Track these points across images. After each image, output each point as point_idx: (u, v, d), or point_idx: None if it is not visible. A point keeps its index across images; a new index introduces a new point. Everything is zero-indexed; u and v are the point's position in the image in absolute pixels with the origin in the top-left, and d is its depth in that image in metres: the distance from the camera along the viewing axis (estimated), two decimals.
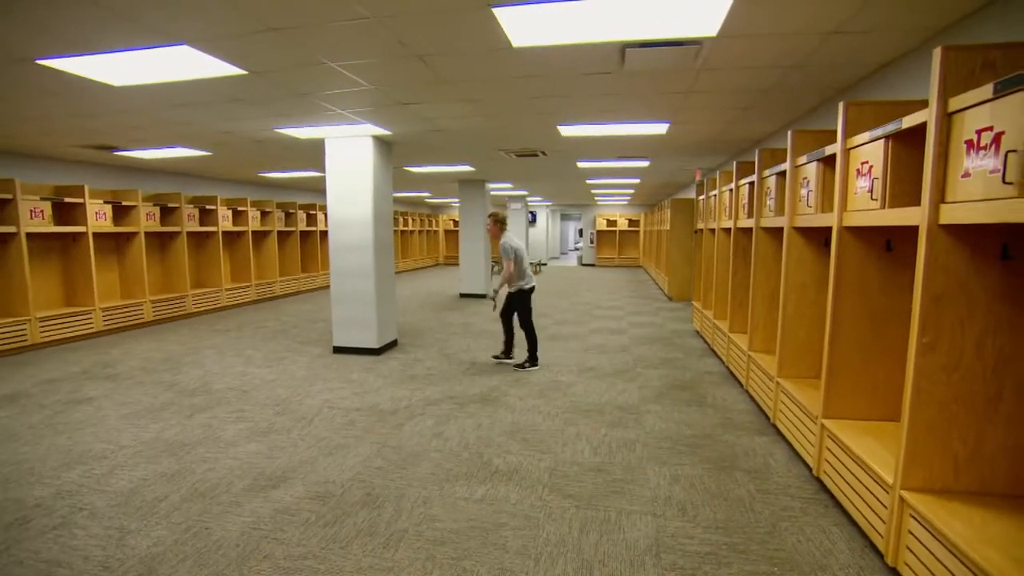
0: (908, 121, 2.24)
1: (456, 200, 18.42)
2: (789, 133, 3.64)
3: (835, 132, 3.30)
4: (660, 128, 5.67)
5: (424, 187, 13.47)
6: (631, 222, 20.39)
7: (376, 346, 6.22)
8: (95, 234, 7.59)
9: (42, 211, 6.84)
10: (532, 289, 5.75)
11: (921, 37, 3.05)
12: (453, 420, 4.18)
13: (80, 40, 2.99)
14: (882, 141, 2.48)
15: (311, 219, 12.78)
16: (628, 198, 18.04)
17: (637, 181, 11.86)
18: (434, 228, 21.25)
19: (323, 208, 13.16)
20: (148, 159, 7.84)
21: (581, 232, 21.63)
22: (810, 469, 3.22)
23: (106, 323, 7.62)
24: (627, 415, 4.30)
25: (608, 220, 20.57)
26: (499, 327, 6.68)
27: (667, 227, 11.53)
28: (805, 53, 3.33)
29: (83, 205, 7.32)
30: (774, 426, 3.93)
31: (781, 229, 4.20)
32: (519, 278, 5.69)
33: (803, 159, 3.51)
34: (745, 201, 5.02)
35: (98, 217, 7.62)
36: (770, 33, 3.01)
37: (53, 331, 6.90)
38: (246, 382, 5.24)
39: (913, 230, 2.13)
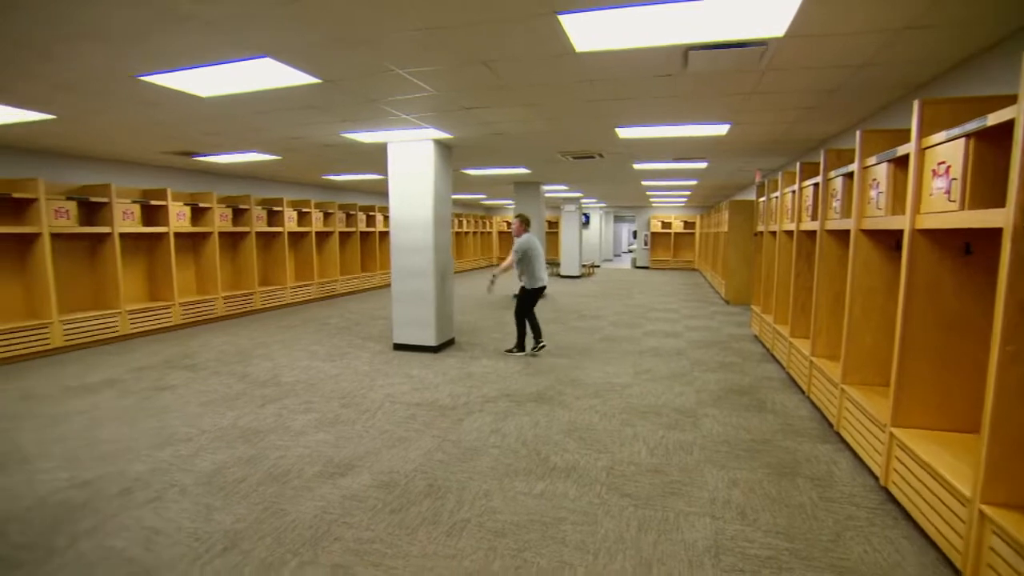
0: (994, 118, 2.16)
1: (510, 202, 18.59)
2: (858, 133, 3.54)
3: (907, 131, 3.19)
4: (720, 129, 5.59)
5: (480, 189, 13.68)
6: (686, 224, 20.00)
7: (434, 344, 6.40)
8: (176, 234, 8.13)
9: (132, 213, 7.39)
10: (540, 290, 6.32)
11: (1002, 32, 2.92)
12: (511, 417, 4.27)
13: (177, 57, 3.26)
14: (962, 140, 2.40)
15: (370, 220, 13.20)
16: (684, 200, 17.71)
17: (694, 183, 11.66)
18: (487, 229, 21.50)
19: (382, 210, 13.58)
20: (222, 163, 8.33)
21: (635, 234, 21.37)
22: (877, 479, 3.13)
23: (183, 317, 8.14)
24: (684, 418, 4.27)
25: (663, 222, 20.25)
26: (551, 328, 7.01)
27: (724, 229, 11.28)
28: (875, 51, 3.24)
29: (166, 207, 7.86)
30: (837, 434, 3.83)
31: (847, 232, 4.08)
32: (528, 277, 6.29)
33: (872, 160, 3.41)
34: (809, 203, 4.89)
35: (178, 218, 8.16)
36: (839, 32, 2.96)
37: (139, 323, 7.43)
38: (312, 375, 5.50)
39: (996, 232, 2.06)
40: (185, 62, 3.37)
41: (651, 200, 17.81)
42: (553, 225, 18.87)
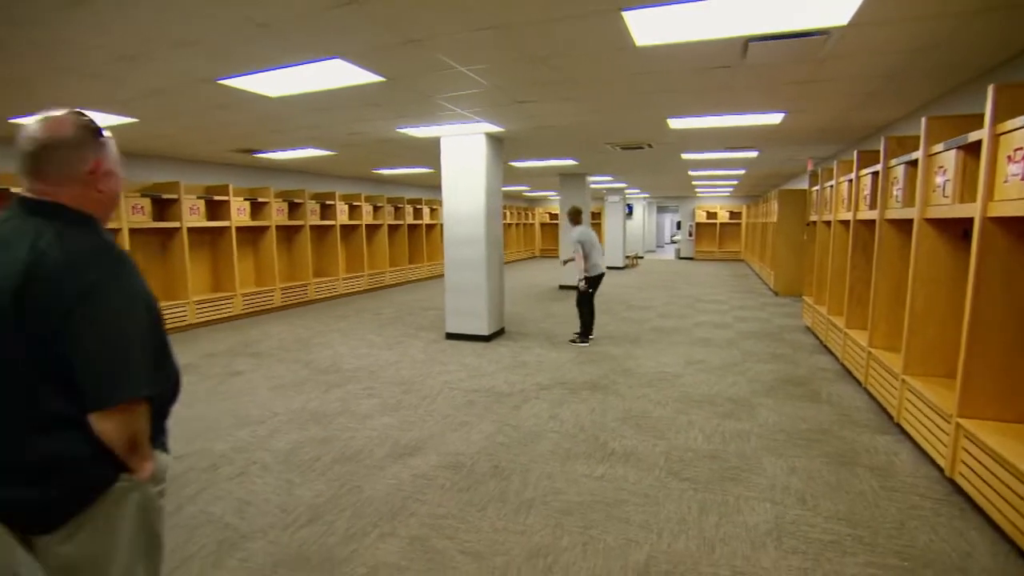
0: None
1: (553, 193, 18.62)
2: (923, 120, 3.49)
3: (976, 117, 3.15)
4: (774, 118, 5.52)
5: (525, 181, 13.78)
6: (732, 214, 19.62)
7: (486, 333, 6.56)
8: (236, 227, 8.53)
9: (198, 208, 7.80)
10: (598, 277, 6.70)
11: None
12: (566, 404, 4.38)
13: (256, 60, 3.47)
14: None
15: (417, 213, 13.48)
16: (731, 189, 17.38)
17: (742, 172, 11.46)
18: (530, 221, 21.60)
19: (429, 203, 13.84)
20: (279, 159, 8.68)
21: (679, 224, 21.07)
22: (941, 470, 3.11)
23: (244, 307, 8.55)
24: (739, 407, 4.30)
25: (708, 212, 19.92)
26: (600, 319, 7.21)
27: (773, 219, 11.06)
28: (943, 35, 3.18)
29: (228, 202, 8.25)
30: (898, 425, 3.79)
31: (909, 221, 4.02)
32: (587, 265, 6.58)
33: (939, 147, 3.35)
34: (867, 192, 4.81)
35: (239, 212, 8.55)
36: (906, 18, 2.92)
37: (205, 313, 7.86)
38: (371, 363, 5.74)
39: None
40: (261, 65, 3.58)
41: (696, 190, 17.56)
42: (596, 216, 18.81)
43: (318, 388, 4.92)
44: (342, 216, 10.75)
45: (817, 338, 6.52)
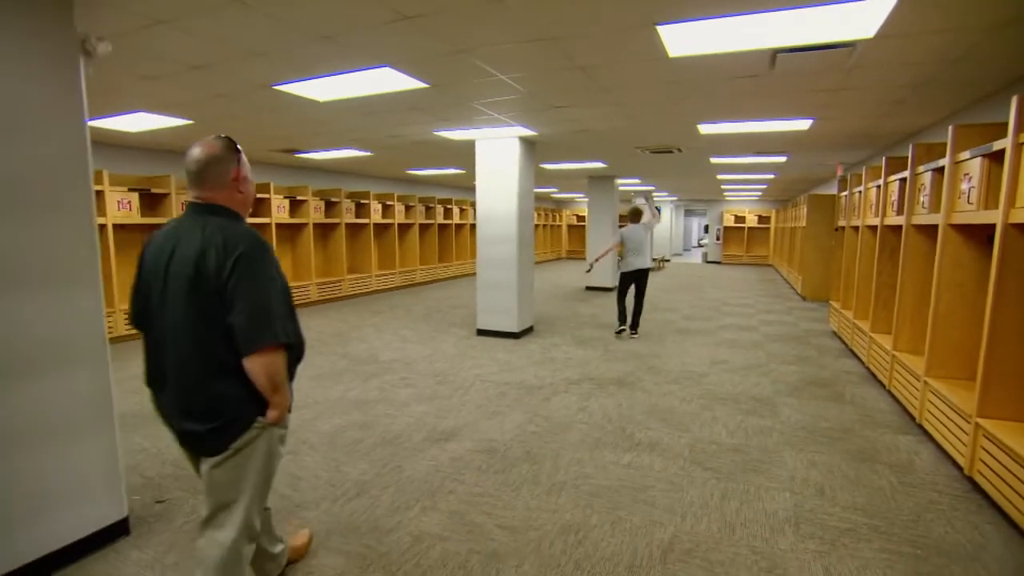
0: None
1: (581, 195, 18.76)
2: (950, 128, 3.58)
3: (1001, 126, 3.24)
4: (803, 124, 5.62)
5: (554, 183, 13.97)
6: (761, 219, 19.49)
7: (516, 330, 6.78)
8: (277, 224, 8.90)
9: None
10: (627, 274, 7.05)
11: None
12: (594, 398, 4.57)
13: (313, 68, 3.74)
14: None
15: (448, 213, 13.77)
16: (759, 193, 17.30)
17: (771, 176, 11.47)
18: (557, 223, 21.76)
19: (459, 203, 14.12)
20: (318, 159, 9.03)
21: (706, 228, 20.99)
22: (960, 469, 3.21)
23: None
24: (762, 405, 4.43)
25: (736, 216, 19.82)
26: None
27: (802, 224, 11.04)
28: (968, 47, 3.28)
29: (269, 200, 8.63)
30: (920, 426, 3.88)
31: (934, 227, 4.10)
32: (622, 262, 7.11)
33: (965, 154, 3.45)
34: (895, 197, 4.88)
35: (279, 210, 8.92)
36: (932, 30, 3.04)
37: None
38: (406, 355, 6.00)
39: None
40: (317, 72, 3.85)
41: (724, 194, 17.52)
42: (623, 218, 18.91)
43: (358, 378, 5.18)
44: (375, 215, 11.08)
45: (843, 342, 6.58)
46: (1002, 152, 2.96)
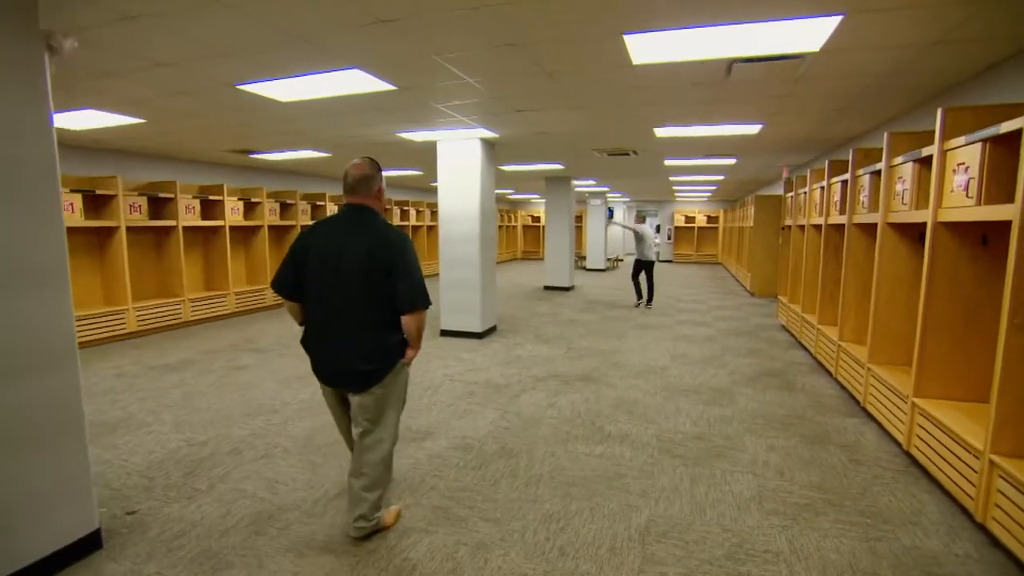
0: (1006, 127, 2.52)
1: (537, 196, 18.97)
2: (885, 135, 3.89)
3: (930, 133, 3.55)
4: (753, 128, 5.93)
5: (510, 184, 14.09)
6: (710, 218, 20.22)
7: (479, 330, 6.85)
8: (230, 227, 8.66)
9: (193, 207, 7.93)
10: (640, 262, 9.40)
11: (1019, 46, 3.26)
12: (562, 394, 4.70)
13: (280, 68, 3.71)
14: (979, 144, 2.76)
15: (405, 215, 13.69)
16: (708, 194, 17.96)
17: (721, 178, 11.96)
18: (513, 224, 21.91)
19: (415, 204, 14.06)
20: (273, 160, 8.85)
21: (658, 228, 21.57)
22: (900, 446, 3.50)
23: (237, 305, 8.69)
24: (721, 396, 4.67)
25: (686, 216, 20.49)
26: (586, 317, 7.92)
27: (750, 223, 11.57)
28: (905, 62, 3.58)
29: (222, 202, 8.39)
30: (864, 409, 4.19)
31: (874, 225, 4.44)
32: (638, 252, 9.40)
33: (899, 159, 3.76)
34: (837, 198, 5.23)
35: (233, 212, 8.68)
36: (871, 46, 3.31)
37: (200, 311, 7.99)
38: None
39: (1007, 225, 2.43)
40: (284, 72, 3.82)
41: (676, 195, 18.09)
42: (579, 220, 19.23)
43: None
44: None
45: (792, 335, 6.96)
46: (930, 157, 3.25)
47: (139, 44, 3.22)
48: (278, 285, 2.45)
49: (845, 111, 5.05)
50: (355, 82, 4.06)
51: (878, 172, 4.18)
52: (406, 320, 2.36)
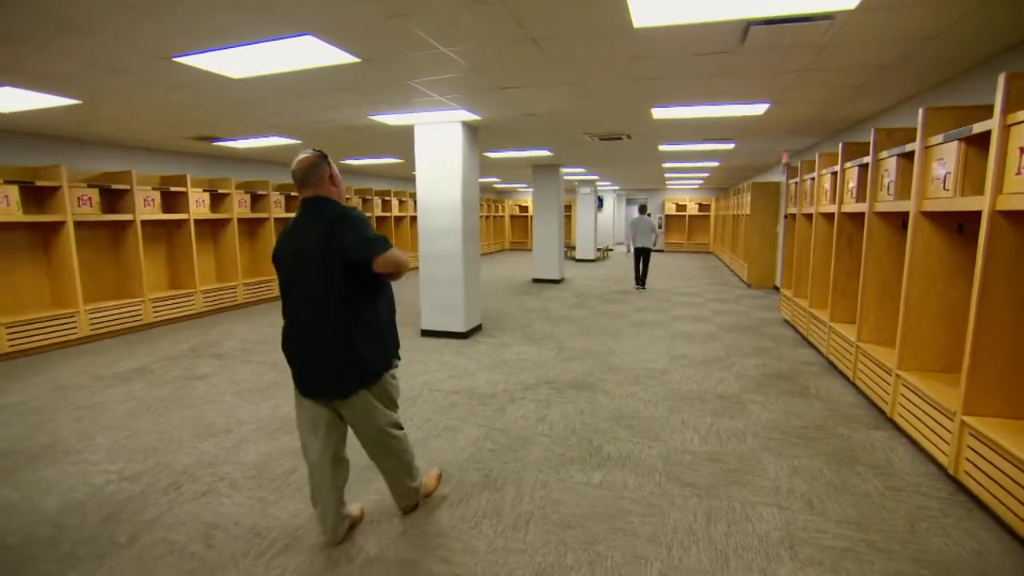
0: None
1: (524, 185, 18.42)
2: (920, 111, 3.41)
3: (977, 108, 3.10)
4: (758, 109, 5.44)
5: (496, 172, 13.53)
6: (701, 207, 19.79)
7: (463, 330, 6.33)
8: (195, 220, 8.05)
9: (153, 200, 7.31)
10: (638, 249, 10.42)
11: None
12: (554, 405, 4.20)
13: (219, 35, 3.14)
14: None
15: (386, 205, 13.10)
16: (701, 182, 17.50)
17: (716, 164, 11.47)
18: (500, 213, 21.35)
19: (398, 195, 13.46)
20: (241, 149, 8.23)
21: (643, 208, 21.13)
22: (940, 467, 3.06)
23: (205, 304, 8.10)
24: (730, 404, 4.20)
25: (677, 204, 20.04)
26: (578, 313, 7.76)
27: (746, 212, 11.12)
28: (945, 25, 3.09)
29: (186, 194, 7.77)
30: (891, 421, 3.75)
31: (900, 214, 3.98)
32: (632, 241, 10.50)
33: (938, 138, 3.27)
34: (853, 184, 4.75)
35: (198, 205, 8.06)
36: (913, 3, 2.81)
37: (162, 311, 7.40)
38: None
39: None
40: (226, 41, 3.26)
41: (668, 183, 17.62)
42: (567, 208, 18.72)
43: (287, 391, 4.61)
44: None
45: (797, 331, 6.52)
46: (984, 135, 2.78)
47: (48, 1, 2.64)
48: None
49: (865, 87, 4.56)
50: (311, 52, 3.50)
51: (909, 154, 3.70)
52: (378, 269, 2.15)
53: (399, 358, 2.47)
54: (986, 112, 2.93)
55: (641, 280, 10.44)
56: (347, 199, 11.53)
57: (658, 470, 3.16)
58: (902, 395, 3.58)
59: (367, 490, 2.96)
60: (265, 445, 3.56)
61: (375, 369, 2.29)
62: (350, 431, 2.43)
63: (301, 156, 2.27)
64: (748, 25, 3.07)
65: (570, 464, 3.24)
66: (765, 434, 3.65)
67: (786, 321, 7.13)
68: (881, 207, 4.13)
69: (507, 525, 2.62)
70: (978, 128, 2.83)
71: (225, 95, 4.61)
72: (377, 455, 2.49)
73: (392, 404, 2.45)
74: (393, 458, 2.50)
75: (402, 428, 2.53)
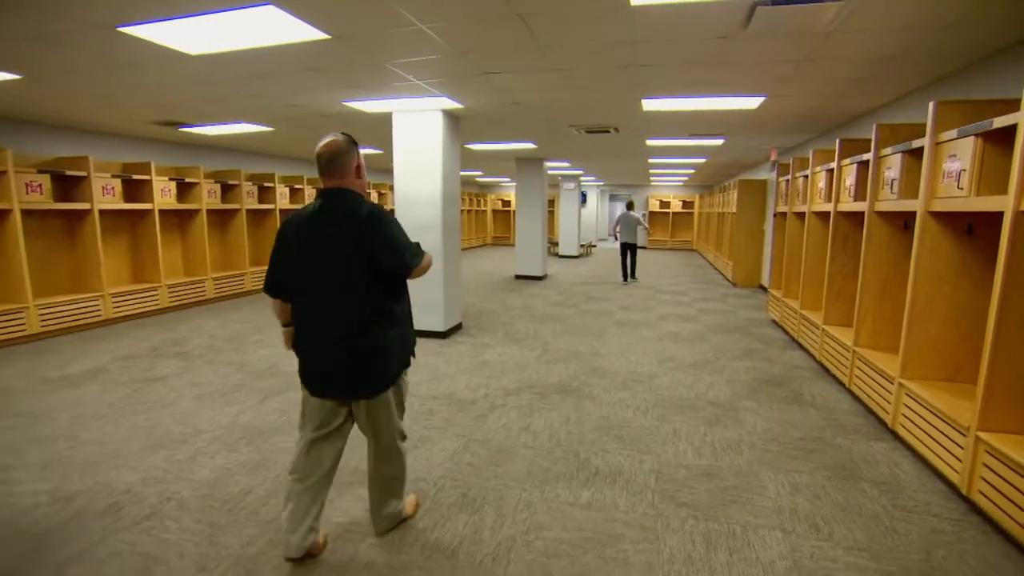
0: None
1: (507, 179, 18.13)
2: (931, 105, 3.19)
3: (994, 103, 2.91)
4: (752, 102, 5.22)
5: (479, 165, 13.21)
6: (685, 204, 19.68)
7: (443, 329, 6.04)
8: (161, 211, 7.62)
9: (113, 188, 6.87)
10: (623, 244, 10.80)
11: None
12: (538, 412, 3.94)
13: (164, 2, 2.80)
14: None
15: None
16: (685, 179, 17.36)
17: (702, 161, 11.30)
18: (482, 208, 21.03)
19: (378, 187, 13.09)
20: (211, 135, 7.81)
21: (630, 205, 21.00)
22: (950, 485, 2.87)
23: (171, 300, 7.69)
24: (723, 412, 3.98)
25: (661, 201, 19.90)
26: (561, 311, 7.56)
27: (732, 209, 10.97)
28: (964, 10, 2.88)
29: (150, 182, 7.34)
30: (892, 431, 3.56)
31: (901, 214, 3.80)
32: (624, 236, 10.78)
33: (951, 134, 3.06)
34: (851, 182, 4.56)
35: (163, 194, 7.63)
36: None
37: (124, 307, 6.98)
38: None
39: None
40: (175, 9, 2.92)
41: (652, 179, 17.45)
42: (551, 203, 18.45)
43: (253, 397, 4.29)
44: (282, 200, 9.93)
45: (787, 333, 6.35)
46: (1005, 130, 2.58)
47: None
48: (265, 286, 2.23)
49: (864, 81, 4.36)
50: (273, 25, 3.17)
51: (916, 151, 3.50)
52: (410, 279, 2.18)
53: (415, 356, 2.39)
54: (1004, 107, 2.75)
55: (631, 273, 10.83)
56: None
57: (651, 487, 2.91)
58: (906, 405, 3.38)
59: (332, 510, 2.66)
60: (223, 458, 3.24)
61: (398, 369, 2.22)
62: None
63: (328, 139, 2.09)
64: (755, 5, 2.82)
65: (556, 480, 2.98)
66: (761, 445, 3.43)
67: (774, 322, 6.96)
68: (883, 206, 3.93)
69: (486, 554, 2.35)
70: (1000, 123, 2.62)
71: (183, 75, 4.25)
72: (380, 461, 2.35)
73: (402, 408, 2.37)
74: (396, 464, 2.39)
75: (406, 437, 2.46)
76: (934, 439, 3.04)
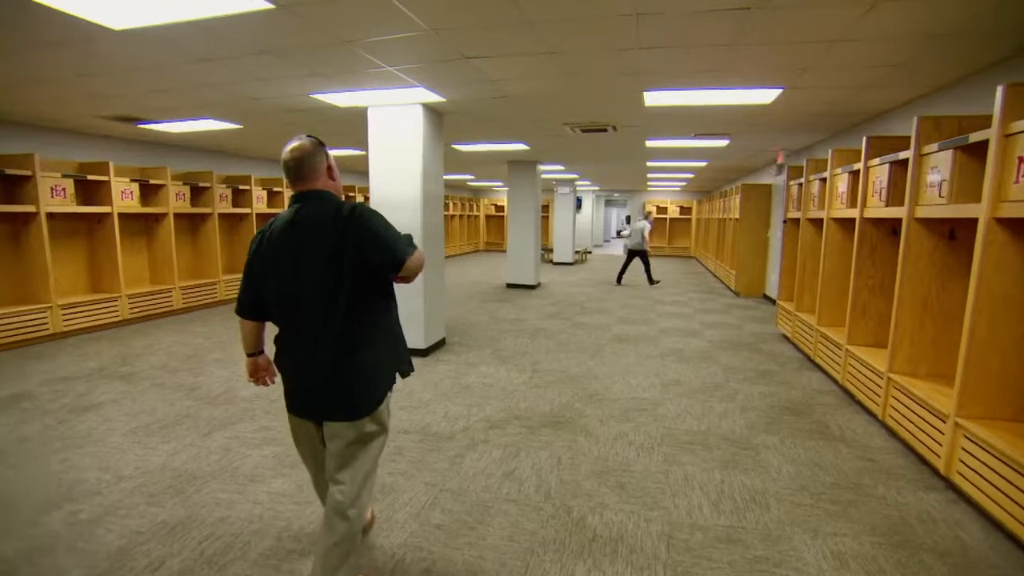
0: None
1: (499, 183, 17.59)
2: (999, 88, 2.64)
3: None
4: (767, 95, 4.68)
5: (470, 169, 12.65)
6: (683, 209, 19.17)
7: (423, 346, 5.45)
8: (121, 215, 7.00)
9: (64, 189, 6.26)
10: (629, 250, 11.14)
11: None
12: (524, 452, 3.36)
13: None
14: None
15: (348, 200, 12.12)
16: (683, 184, 16.85)
17: (703, 164, 10.77)
18: (475, 213, 20.45)
19: (363, 190, 12.51)
20: (175, 133, 7.21)
21: (628, 219, 20.46)
22: None
23: (133, 311, 7.07)
24: (740, 451, 3.42)
25: (658, 207, 19.38)
26: (555, 324, 7.02)
27: (734, 215, 10.44)
28: None
29: (108, 183, 6.74)
30: (946, 479, 2.99)
31: (948, 221, 3.28)
32: (630, 243, 11.06)
33: (1020, 124, 2.53)
34: (882, 185, 4.02)
35: (124, 196, 7.03)
36: None
37: (76, 319, 6.36)
38: (276, 388, 4.52)
39: None
40: None
41: (650, 184, 16.94)
42: (544, 208, 17.90)
43: (197, 430, 3.70)
44: (259, 204, 9.33)
45: (799, 349, 5.80)
46: None
47: None
48: (238, 307, 2.06)
49: (902, 68, 3.82)
50: None
51: (972, 147, 2.96)
52: (403, 275, 1.91)
53: (413, 369, 2.17)
54: None
55: (648, 278, 11.25)
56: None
57: (661, 559, 2.34)
58: (965, 450, 2.82)
59: None
60: (138, 516, 2.65)
61: (386, 387, 2.01)
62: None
63: (293, 144, 1.94)
64: None
65: (544, 550, 2.40)
66: (790, 497, 2.86)
67: (785, 337, 6.41)
68: (926, 212, 3.38)
69: None
70: None
71: (114, 57, 3.67)
72: (335, 517, 1.91)
73: (384, 429, 2.06)
74: (348, 526, 1.91)
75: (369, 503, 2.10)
76: (1007, 495, 2.47)
